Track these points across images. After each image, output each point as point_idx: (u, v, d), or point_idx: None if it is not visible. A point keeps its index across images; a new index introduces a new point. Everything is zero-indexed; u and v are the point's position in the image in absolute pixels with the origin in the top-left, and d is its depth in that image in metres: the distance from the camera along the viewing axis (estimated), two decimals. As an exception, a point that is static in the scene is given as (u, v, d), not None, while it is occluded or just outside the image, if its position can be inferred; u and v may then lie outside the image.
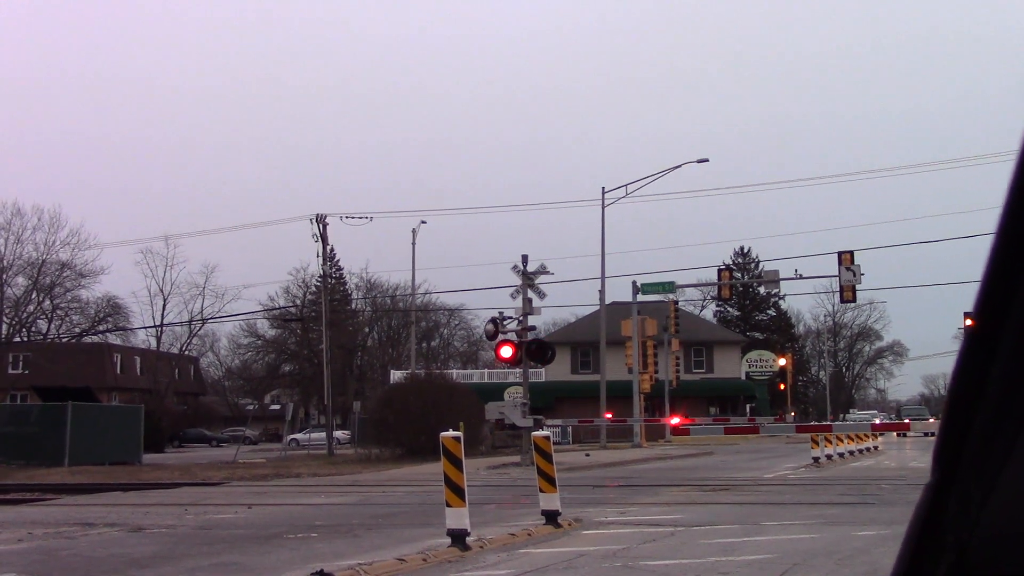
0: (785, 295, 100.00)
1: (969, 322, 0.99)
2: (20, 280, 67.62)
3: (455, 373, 67.56)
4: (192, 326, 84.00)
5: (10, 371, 69.66)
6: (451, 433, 12.55)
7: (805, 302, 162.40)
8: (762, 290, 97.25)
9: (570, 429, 54.99)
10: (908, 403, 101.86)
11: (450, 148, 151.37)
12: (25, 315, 70.25)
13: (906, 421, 54.28)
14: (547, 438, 14.87)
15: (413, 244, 62.18)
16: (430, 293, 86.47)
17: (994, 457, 0.98)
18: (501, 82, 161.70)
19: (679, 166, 51.08)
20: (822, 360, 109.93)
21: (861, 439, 39.97)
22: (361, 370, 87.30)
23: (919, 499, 1.06)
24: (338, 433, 58.50)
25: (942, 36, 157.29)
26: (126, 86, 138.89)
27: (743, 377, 77.37)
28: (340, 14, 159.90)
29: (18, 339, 71.21)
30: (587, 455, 40.04)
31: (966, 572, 0.99)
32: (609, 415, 48.81)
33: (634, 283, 54.08)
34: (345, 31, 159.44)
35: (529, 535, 13.42)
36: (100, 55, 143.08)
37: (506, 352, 32.66)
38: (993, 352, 0.96)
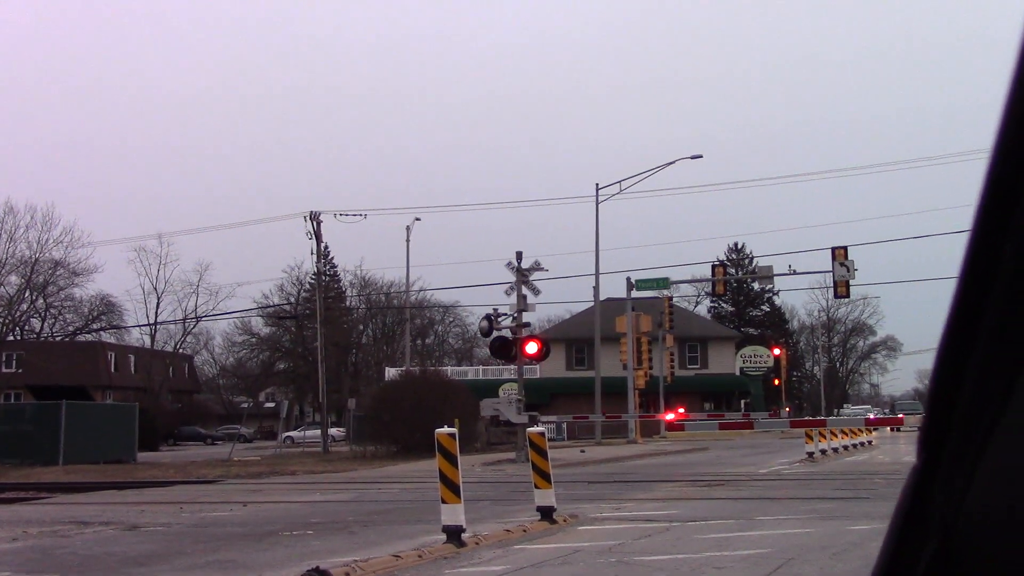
0: (779, 291, 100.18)
1: (950, 310, 1.02)
2: (13, 278, 67.31)
3: (450, 370, 67.49)
4: (186, 324, 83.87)
5: (4, 370, 69.46)
6: (446, 430, 12.56)
7: (799, 298, 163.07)
8: (756, 286, 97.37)
9: (565, 425, 55.03)
10: (902, 398, 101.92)
11: (445, 147, 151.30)
12: (18, 314, 70.03)
13: (900, 416, 54.41)
14: (542, 434, 14.89)
15: (407, 241, 62.14)
16: (425, 290, 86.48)
17: (976, 439, 1.00)
18: (496, 82, 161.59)
19: (673, 162, 51.13)
20: (816, 355, 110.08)
21: (855, 434, 40.05)
22: (356, 367, 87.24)
23: (905, 482, 1.08)
24: (333, 430, 58.48)
25: (936, 34, 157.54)
26: (119, 85, 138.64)
27: (737, 373, 77.46)
28: (335, 14, 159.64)
29: (12, 338, 70.99)
30: (582, 451, 40.07)
31: (951, 553, 1.01)
32: (604, 411, 48.85)
33: (628, 279, 54.12)
34: (340, 31, 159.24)
35: (524, 531, 13.44)
36: (93, 54, 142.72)
37: (501, 349, 32.65)
38: (973, 337, 0.99)
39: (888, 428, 59.24)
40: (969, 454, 1.00)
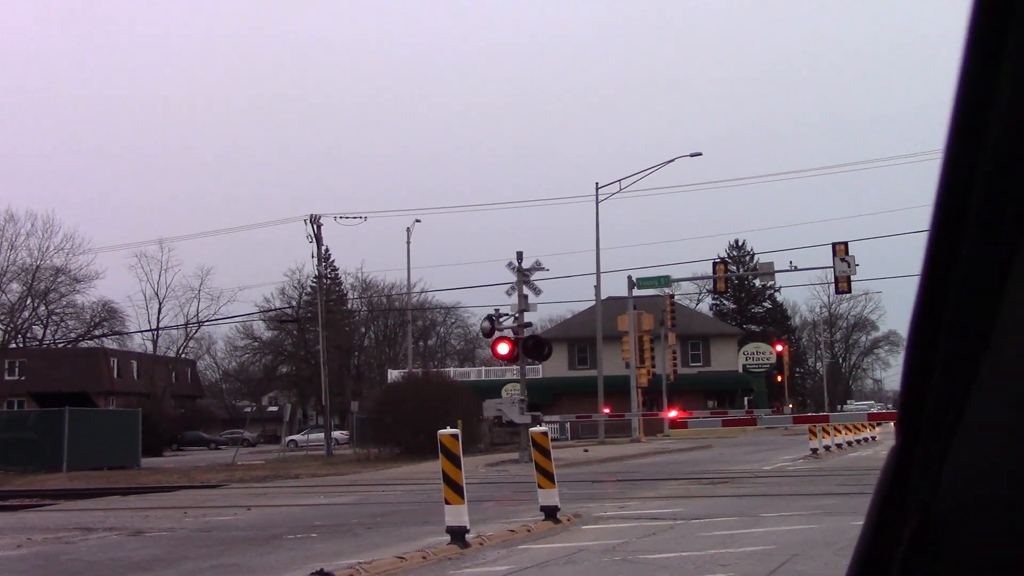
0: (780, 287, 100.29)
1: (916, 296, 1.07)
2: (15, 286, 67.42)
3: (452, 371, 67.52)
4: (188, 329, 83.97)
5: (7, 377, 69.49)
6: (449, 431, 12.55)
7: (800, 294, 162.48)
8: (757, 283, 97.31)
9: (568, 425, 55.03)
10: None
11: (444, 149, 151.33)
12: (20, 321, 70.07)
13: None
14: (545, 434, 14.89)
15: (408, 243, 62.20)
16: (426, 292, 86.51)
17: (947, 423, 1.04)
18: (496, 83, 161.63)
19: (672, 160, 51.16)
20: (818, 352, 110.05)
21: (859, 429, 40.03)
22: (358, 370, 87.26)
23: (883, 464, 1.10)
24: (336, 433, 58.48)
25: (936, 30, 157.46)
26: (118, 91, 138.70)
27: (740, 370, 77.45)
28: (334, 17, 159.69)
29: (14, 345, 71.04)
30: (585, 450, 40.07)
31: (930, 533, 1.02)
32: (607, 410, 48.84)
33: (630, 278, 54.11)
34: (339, 34, 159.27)
35: (528, 531, 13.44)
36: (93, 60, 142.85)
37: (503, 349, 32.65)
38: (937, 326, 1.04)
39: (892, 423, 58.98)
40: (942, 437, 1.04)
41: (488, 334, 33.06)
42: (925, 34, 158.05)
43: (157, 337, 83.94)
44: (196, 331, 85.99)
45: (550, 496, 14.21)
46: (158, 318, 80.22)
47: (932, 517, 1.03)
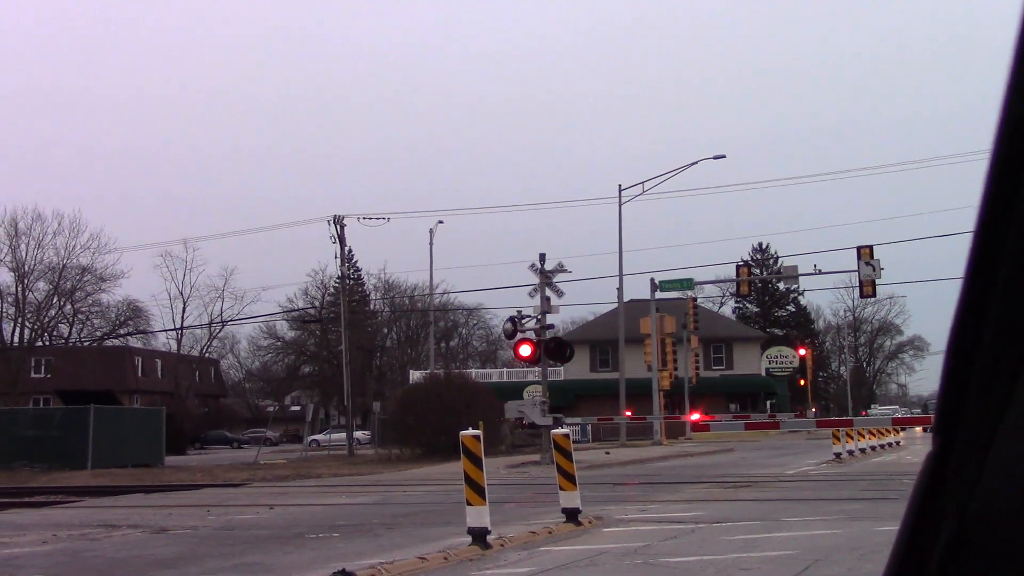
0: (804, 291, 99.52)
1: (959, 301, 1.06)
2: (41, 285, 67.97)
3: (474, 372, 67.52)
4: (212, 328, 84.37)
5: (33, 375, 70.07)
6: (471, 432, 12.56)
7: (824, 297, 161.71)
8: (781, 286, 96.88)
9: (590, 427, 54.90)
10: (932, 398, 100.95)
11: (468, 149, 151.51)
12: (47, 319, 70.66)
13: (930, 416, 53.86)
14: (567, 436, 14.86)
15: (431, 244, 62.28)
16: (448, 293, 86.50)
17: (986, 426, 1.04)
18: (519, 85, 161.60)
19: (696, 162, 51.00)
20: (842, 356, 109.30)
21: (883, 434, 39.74)
22: (380, 371, 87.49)
23: (920, 469, 1.10)
24: (358, 434, 58.64)
25: (962, 30, 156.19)
26: (143, 91, 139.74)
27: (763, 373, 77.06)
28: (357, 20, 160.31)
29: (40, 343, 71.65)
30: (607, 453, 39.99)
31: (967, 536, 1.03)
32: (629, 413, 48.71)
33: (652, 280, 53.95)
34: (363, 36, 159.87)
35: (550, 533, 13.42)
36: (118, 61, 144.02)
37: (525, 351, 32.61)
38: (980, 329, 1.04)
39: (917, 428, 58.66)
40: (980, 440, 1.05)
41: (510, 336, 33.03)
42: (953, 37, 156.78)
43: (181, 336, 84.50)
44: (220, 331, 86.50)
45: (571, 498, 14.19)
46: (182, 317, 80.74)
47: (969, 520, 1.03)
